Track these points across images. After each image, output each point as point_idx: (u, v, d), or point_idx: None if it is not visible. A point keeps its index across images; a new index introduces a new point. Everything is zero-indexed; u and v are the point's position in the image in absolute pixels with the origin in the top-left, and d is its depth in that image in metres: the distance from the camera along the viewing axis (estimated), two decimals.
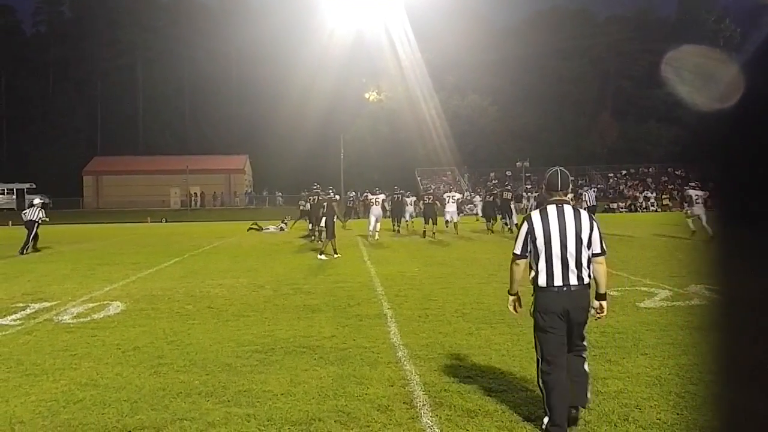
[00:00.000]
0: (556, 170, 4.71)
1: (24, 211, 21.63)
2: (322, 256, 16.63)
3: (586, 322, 4.55)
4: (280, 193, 61.04)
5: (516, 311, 4.88)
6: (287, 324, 8.32)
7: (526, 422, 4.62)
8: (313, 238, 22.67)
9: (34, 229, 20.85)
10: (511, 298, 4.85)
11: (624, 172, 64.47)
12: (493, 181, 59.98)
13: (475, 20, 66.98)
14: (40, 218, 21.07)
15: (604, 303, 4.68)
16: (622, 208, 54.95)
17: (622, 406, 4.90)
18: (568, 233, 4.45)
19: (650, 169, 65.03)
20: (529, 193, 35.06)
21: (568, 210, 4.54)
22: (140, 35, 72.44)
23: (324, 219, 17.44)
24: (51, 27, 79.60)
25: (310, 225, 26.84)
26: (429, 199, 25.42)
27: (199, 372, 6.17)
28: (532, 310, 4.57)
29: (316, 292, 10.96)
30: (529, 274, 4.63)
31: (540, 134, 69.11)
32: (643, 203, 56.45)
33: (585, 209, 20.53)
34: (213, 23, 71.61)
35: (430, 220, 24.08)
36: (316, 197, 23.02)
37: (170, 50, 72.47)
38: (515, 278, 4.75)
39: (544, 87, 70.13)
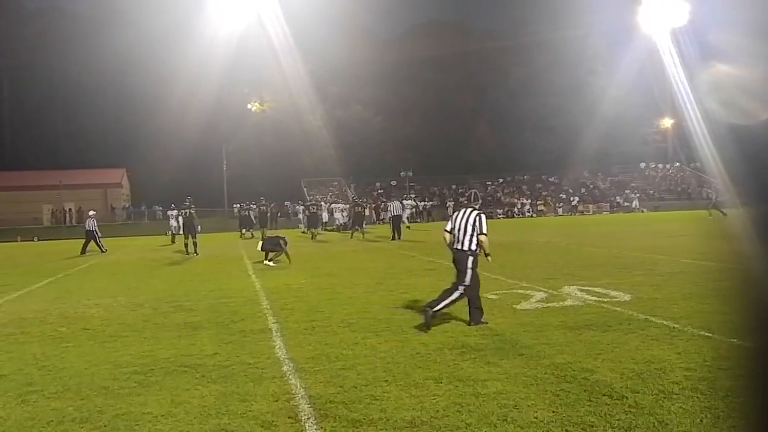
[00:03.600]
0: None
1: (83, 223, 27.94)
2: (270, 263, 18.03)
3: None
4: (159, 207, 58.99)
5: None
6: (168, 343, 8.06)
7: (409, 428, 4.70)
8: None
9: (96, 237, 26.95)
10: None
11: (501, 180, 67.11)
12: (379, 191, 60.74)
13: (356, 31, 67.53)
14: (95, 229, 26.99)
15: None
16: (500, 214, 57.28)
17: (501, 407, 5.06)
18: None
19: (525, 177, 68.01)
20: (406, 202, 38.58)
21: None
22: (3, 44, 67.85)
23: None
24: None
25: (245, 231, 35.10)
26: (314, 208, 31.13)
27: (73, 397, 5.87)
28: None
29: (197, 309, 10.67)
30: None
31: (422, 145, 70.66)
32: (520, 209, 59.17)
33: (390, 218, 23.22)
34: (85, 31, 67.87)
35: (312, 228, 30.41)
36: (264, 207, 32.04)
37: (39, 60, 68.22)
38: None
39: (424, 98, 71.74)
